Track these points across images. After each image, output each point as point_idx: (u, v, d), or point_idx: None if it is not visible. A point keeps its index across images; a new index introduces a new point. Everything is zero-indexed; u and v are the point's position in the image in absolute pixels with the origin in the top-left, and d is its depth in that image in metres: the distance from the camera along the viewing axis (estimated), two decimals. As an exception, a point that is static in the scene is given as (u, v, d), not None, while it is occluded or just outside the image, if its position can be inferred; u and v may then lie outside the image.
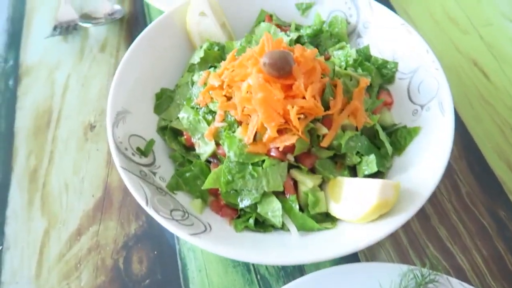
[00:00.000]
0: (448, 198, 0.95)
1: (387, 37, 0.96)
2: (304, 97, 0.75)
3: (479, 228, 0.91)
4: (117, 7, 1.29)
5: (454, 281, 0.75)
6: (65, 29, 1.24)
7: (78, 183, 1.00)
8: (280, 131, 0.77)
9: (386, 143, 0.84)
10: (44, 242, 0.92)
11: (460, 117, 1.05)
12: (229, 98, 0.83)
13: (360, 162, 0.82)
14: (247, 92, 0.77)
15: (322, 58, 0.84)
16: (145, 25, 1.27)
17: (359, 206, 0.71)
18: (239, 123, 0.81)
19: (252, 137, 0.77)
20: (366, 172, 0.81)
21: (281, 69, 0.73)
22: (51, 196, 0.98)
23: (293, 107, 0.73)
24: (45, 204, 0.97)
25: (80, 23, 1.22)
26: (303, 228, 0.79)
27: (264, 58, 0.73)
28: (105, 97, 1.13)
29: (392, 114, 0.93)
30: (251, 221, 0.80)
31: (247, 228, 0.80)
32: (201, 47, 0.98)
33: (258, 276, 0.86)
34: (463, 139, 1.02)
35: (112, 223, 0.95)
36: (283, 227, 0.79)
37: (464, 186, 0.97)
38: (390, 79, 0.95)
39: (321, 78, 0.79)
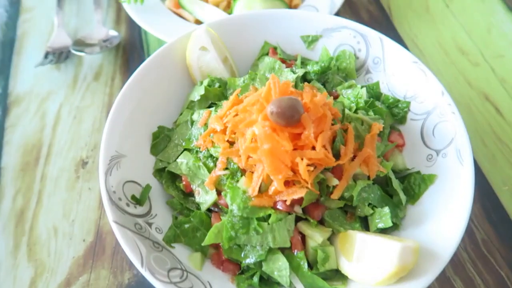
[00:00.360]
0: (464, 246, 0.90)
1: (399, 75, 0.90)
2: (313, 147, 0.69)
3: (496, 280, 0.86)
4: (113, 33, 1.23)
5: None
6: (58, 56, 1.17)
7: (68, 227, 0.93)
8: (287, 183, 0.71)
9: (400, 192, 0.79)
10: (29, 294, 0.85)
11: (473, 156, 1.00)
12: (231, 143, 0.77)
13: (372, 214, 0.76)
14: (252, 140, 0.71)
15: (331, 100, 0.78)
16: (143, 52, 1.22)
17: (376, 270, 0.65)
18: (243, 171, 0.75)
19: (257, 189, 0.71)
20: (380, 226, 0.75)
21: (290, 118, 0.67)
22: (38, 241, 0.91)
23: (302, 159, 0.67)
24: (32, 250, 0.90)
25: (73, 51, 1.16)
26: (311, 287, 0.72)
27: (271, 106, 0.67)
28: (99, 131, 1.07)
29: (404, 158, 0.88)
30: (256, 279, 0.73)
31: (251, 286, 0.74)
32: (201, 83, 0.92)
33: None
34: (477, 181, 0.97)
35: (104, 271, 0.88)
36: (290, 286, 0.73)
37: (479, 232, 0.91)
38: (401, 119, 0.90)
39: (332, 124, 0.73)
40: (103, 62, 1.21)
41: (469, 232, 0.91)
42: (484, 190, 0.96)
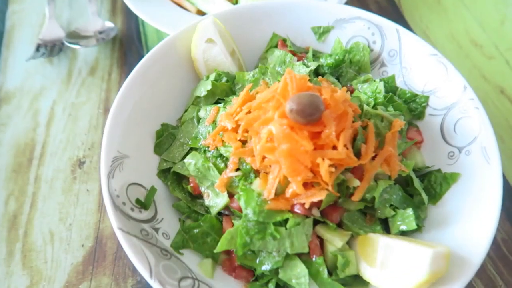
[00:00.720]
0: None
1: (416, 68, 0.86)
2: (335, 147, 0.64)
3: (519, 282, 0.82)
4: (109, 24, 1.16)
5: None
6: (50, 49, 1.10)
7: (65, 232, 0.87)
8: (306, 184, 0.66)
9: (422, 192, 0.74)
10: (25, 305, 0.79)
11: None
12: (244, 142, 0.72)
13: (394, 216, 0.72)
14: (268, 139, 0.66)
15: (349, 96, 0.73)
16: (141, 45, 1.16)
17: (404, 277, 0.60)
18: (256, 173, 0.70)
19: (273, 191, 0.66)
20: (402, 228, 0.71)
21: (310, 116, 0.62)
22: (33, 247, 0.85)
23: (323, 159, 0.62)
24: (27, 257, 0.84)
25: (67, 43, 1.09)
26: (331, 295, 0.68)
27: (290, 103, 0.62)
28: (96, 129, 1.01)
29: (423, 155, 0.83)
30: (271, 286, 0.69)
31: (266, 294, 0.69)
32: (207, 77, 0.86)
33: None
34: (495, 178, 0.93)
35: (105, 278, 0.82)
36: (308, 293, 0.68)
37: (500, 232, 0.88)
38: (419, 114, 0.85)
39: (352, 121, 0.68)
40: (99, 56, 1.14)
41: (488, 232, 0.87)
42: (503, 189, 0.92)
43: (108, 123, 0.74)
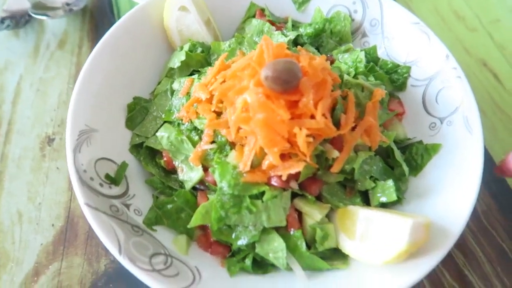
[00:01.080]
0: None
1: (398, 38, 0.83)
2: (313, 116, 0.62)
3: (499, 253, 0.82)
4: (78, -5, 1.10)
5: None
6: (16, 21, 1.04)
7: (34, 211, 0.83)
8: (283, 156, 0.63)
9: (403, 164, 0.73)
10: (-7, 287, 0.76)
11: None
12: (218, 114, 0.68)
13: (374, 188, 0.70)
14: (243, 109, 0.62)
15: (328, 65, 0.70)
16: (113, 16, 1.10)
17: (383, 248, 0.59)
18: (232, 145, 0.67)
19: (249, 163, 0.63)
20: (382, 200, 0.69)
21: (287, 84, 0.59)
22: (1, 228, 0.81)
23: (300, 129, 0.60)
24: (-6, 239, 0.80)
25: (33, 15, 1.02)
26: (310, 268, 0.66)
27: (265, 70, 0.59)
28: (66, 104, 0.96)
29: (404, 127, 0.81)
30: (248, 262, 0.66)
31: (243, 269, 0.67)
32: (181, 48, 0.82)
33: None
34: (476, 151, 0.92)
35: (77, 259, 0.79)
36: (286, 267, 0.66)
37: (480, 204, 0.87)
38: (401, 86, 0.83)
39: (331, 91, 0.65)
40: (68, 28, 1.08)
41: (469, 205, 0.87)
42: (484, 161, 0.91)
43: (73, 95, 0.70)
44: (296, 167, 0.62)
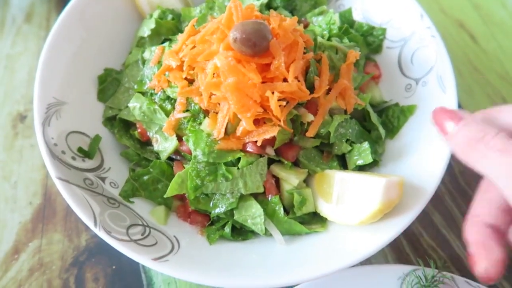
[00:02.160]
0: (441, 180, 0.86)
1: (373, 0, 0.81)
2: (285, 79, 0.61)
3: (475, 212, 0.83)
4: (43, -35, 1.05)
5: (460, 279, 0.67)
6: (-23, -5, 0.99)
7: (10, 190, 0.82)
8: (257, 121, 0.63)
9: (379, 126, 0.73)
10: (-28, 267, 0.75)
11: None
12: (191, 81, 0.67)
13: (351, 151, 0.70)
14: (214, 75, 0.61)
15: (301, 27, 0.69)
16: (80, -12, 1.05)
17: (358, 208, 0.59)
18: (206, 113, 0.66)
19: (223, 130, 0.62)
20: (359, 163, 0.69)
21: (256, 46, 0.57)
22: (-24, 208, 0.80)
23: (273, 93, 0.59)
24: (-30, 219, 0.79)
25: (-4, -13, 0.98)
26: (288, 233, 0.67)
27: (233, 32, 0.57)
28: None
29: (381, 90, 0.81)
30: (227, 229, 0.67)
31: (222, 237, 0.67)
32: (151, 16, 0.80)
33: (238, 286, 0.74)
34: (453, 112, 0.92)
35: (57, 235, 0.78)
36: (265, 233, 0.67)
37: (456, 164, 0.88)
38: (376, 48, 0.82)
39: (304, 53, 0.64)
40: (35, 1, 1.04)
41: (446, 165, 0.88)
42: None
43: (39, 67, 0.68)
44: (271, 132, 0.62)
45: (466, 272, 0.77)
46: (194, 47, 0.66)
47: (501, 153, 0.41)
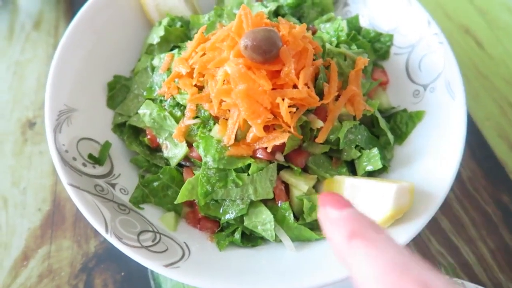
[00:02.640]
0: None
1: (380, 6, 0.82)
2: (295, 86, 0.61)
3: (483, 217, 0.83)
4: (52, -27, 1.06)
5: (470, 285, 0.67)
6: (-13, 2, 1.00)
7: (19, 196, 0.82)
8: (267, 127, 0.63)
9: (388, 132, 0.73)
10: (-19, 273, 0.75)
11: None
12: (200, 88, 0.67)
13: (360, 157, 0.70)
14: (224, 81, 0.62)
15: (309, 34, 0.69)
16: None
17: (369, 214, 0.59)
18: (215, 119, 0.66)
19: (233, 137, 0.62)
20: (368, 169, 0.69)
21: (267, 53, 0.58)
22: (-15, 214, 0.80)
23: (283, 99, 0.59)
24: (-21, 225, 0.79)
25: (5, -5, 0.99)
26: (298, 239, 0.67)
27: (244, 39, 0.58)
28: (45, 87, 0.92)
29: (388, 96, 0.81)
30: (237, 235, 0.67)
31: (232, 243, 0.67)
32: (160, 23, 0.80)
33: (246, 292, 0.74)
34: (460, 118, 0.92)
35: (66, 241, 0.79)
36: (275, 239, 0.67)
37: (465, 170, 0.88)
38: (384, 54, 0.82)
39: (313, 60, 0.65)
40: (43, 8, 1.05)
41: (454, 171, 0.88)
42: (468, 127, 0.92)
43: (50, 74, 0.68)
44: (281, 138, 0.62)
45: (475, 278, 0.77)
46: (204, 54, 0.66)
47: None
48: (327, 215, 0.39)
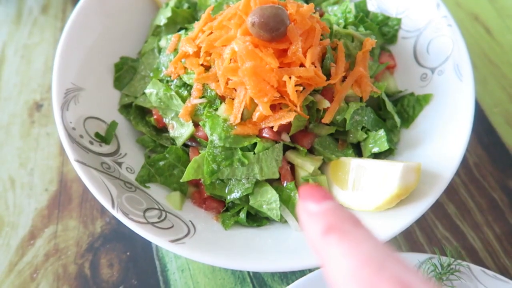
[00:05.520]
0: (456, 171, 0.86)
1: (388, -11, 0.81)
2: (302, 65, 0.61)
3: (489, 203, 0.83)
4: (59, -42, 1.06)
5: (476, 268, 0.67)
6: (-5, -14, 1.01)
7: (27, 177, 0.83)
8: (273, 107, 0.63)
9: (395, 115, 0.72)
10: (-11, 251, 0.76)
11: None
12: (207, 68, 0.67)
13: (366, 139, 0.70)
14: (231, 60, 0.62)
15: (317, 15, 0.69)
16: (96, -20, 1.06)
17: (375, 193, 0.59)
18: (222, 99, 0.66)
19: (239, 116, 0.62)
20: (374, 150, 0.69)
21: (274, 30, 0.58)
22: (-7, 194, 0.81)
23: (290, 77, 0.59)
24: (-13, 205, 0.80)
25: (13, -21, 0.99)
26: (303, 220, 0.67)
27: (252, 16, 0.57)
28: (52, 70, 0.94)
29: (396, 80, 0.81)
30: (242, 215, 0.67)
31: (237, 222, 0.68)
32: (167, 4, 0.80)
33: (251, 273, 0.74)
34: (468, 105, 0.92)
35: (72, 221, 0.79)
36: (280, 219, 0.67)
37: (471, 156, 0.87)
38: (391, 38, 0.82)
39: (320, 40, 0.64)
40: (51, -7, 1.05)
41: (460, 156, 0.87)
42: (475, 114, 0.91)
43: (58, 52, 0.68)
44: (287, 117, 0.62)
45: (481, 263, 0.77)
46: (211, 33, 0.66)
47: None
48: (305, 208, 0.36)
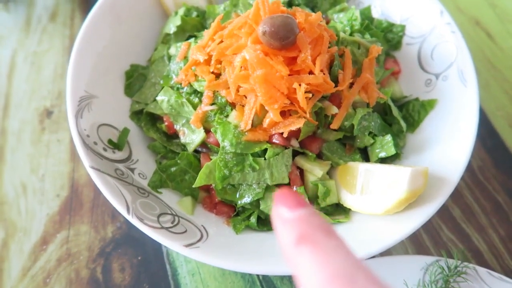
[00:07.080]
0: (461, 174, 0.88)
1: (392, -4, 0.83)
2: (311, 72, 0.62)
3: (494, 206, 0.84)
4: (67, -34, 1.08)
5: (482, 270, 0.68)
6: (4, -5, 1.02)
7: (38, 183, 0.84)
8: (283, 113, 0.65)
9: (400, 120, 0.74)
10: (2, 256, 0.77)
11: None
12: (217, 75, 0.69)
13: (373, 144, 0.72)
14: (242, 68, 0.63)
15: (324, 23, 0.71)
16: (103, -12, 1.08)
17: (384, 197, 0.61)
18: (232, 105, 0.67)
19: (250, 122, 0.64)
20: (382, 155, 0.70)
21: (284, 39, 0.59)
22: (5, 200, 0.82)
23: (300, 85, 0.60)
24: (0, 211, 0.81)
25: (23, -13, 1.01)
26: (312, 224, 0.68)
27: (263, 25, 0.59)
28: (62, 77, 0.96)
29: (400, 85, 0.82)
30: (253, 219, 0.68)
31: (248, 227, 0.69)
32: (176, 13, 0.82)
33: (260, 276, 0.76)
34: (471, 109, 0.93)
35: (84, 226, 0.81)
36: (289, 224, 0.68)
37: (475, 160, 0.89)
38: (396, 45, 0.83)
39: (328, 47, 0.66)
40: (59, 1, 1.07)
41: (464, 160, 0.89)
42: (479, 118, 0.93)
43: (71, 61, 0.70)
44: (297, 124, 0.63)
45: (486, 264, 0.78)
46: (221, 41, 0.67)
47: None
48: (279, 214, 0.35)
